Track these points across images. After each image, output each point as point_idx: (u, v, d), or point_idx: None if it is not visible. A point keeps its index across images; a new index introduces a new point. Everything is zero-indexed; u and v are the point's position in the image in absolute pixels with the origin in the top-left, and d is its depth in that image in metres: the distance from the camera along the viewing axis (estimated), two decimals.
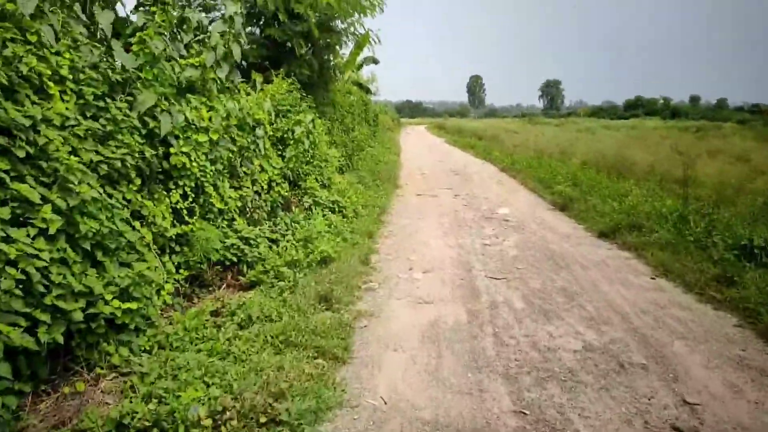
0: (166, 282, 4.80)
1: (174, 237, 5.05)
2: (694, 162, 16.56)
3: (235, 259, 5.84)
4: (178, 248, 5.21)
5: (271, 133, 7.94)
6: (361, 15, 12.36)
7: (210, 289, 5.64)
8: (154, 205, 4.88)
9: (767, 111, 54.94)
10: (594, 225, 8.55)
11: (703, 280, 5.68)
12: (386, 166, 16.18)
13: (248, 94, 7.33)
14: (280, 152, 8.12)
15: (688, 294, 5.54)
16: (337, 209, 8.44)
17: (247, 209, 6.74)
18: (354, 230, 7.73)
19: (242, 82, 7.92)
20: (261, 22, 11.76)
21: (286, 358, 3.81)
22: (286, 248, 6.44)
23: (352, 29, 12.49)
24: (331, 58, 13.74)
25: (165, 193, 5.03)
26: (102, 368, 3.64)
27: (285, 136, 8.20)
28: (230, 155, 6.10)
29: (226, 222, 6.03)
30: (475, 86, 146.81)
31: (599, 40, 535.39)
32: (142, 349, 3.96)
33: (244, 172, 6.77)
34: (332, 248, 6.40)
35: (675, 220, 7.58)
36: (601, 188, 10.81)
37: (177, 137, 5.13)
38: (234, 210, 6.26)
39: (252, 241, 6.07)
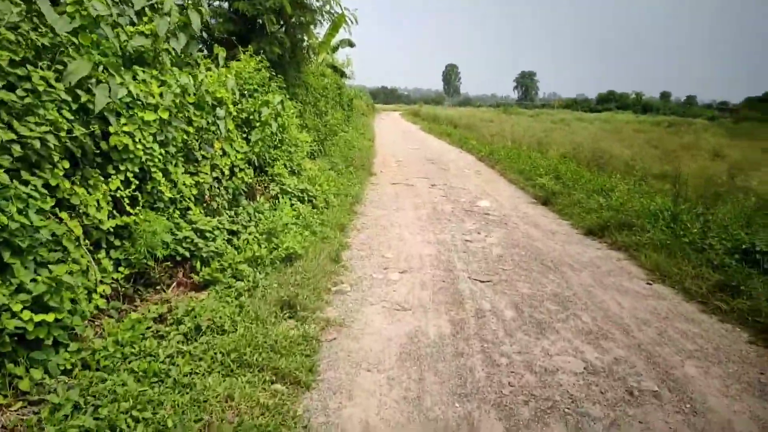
0: (101, 283, 4.09)
1: (112, 230, 4.31)
2: (671, 157, 16.47)
3: (187, 254, 5.11)
4: (117, 242, 4.47)
5: (235, 113, 7.18)
6: None
7: (157, 288, 4.90)
8: (89, 193, 4.14)
9: (736, 109, 55.95)
10: (580, 221, 8.04)
11: (705, 288, 5.19)
12: (360, 152, 15.45)
13: (209, 69, 6.55)
14: (245, 135, 7.37)
15: (690, 303, 5.04)
16: (306, 198, 7.72)
17: (205, 197, 6.00)
18: (324, 222, 7.05)
19: (205, 57, 7.14)
20: None
21: (237, 384, 3.13)
22: (248, 242, 5.74)
23: (327, 7, 11.68)
24: (305, 38, 12.92)
25: (102, 179, 4.28)
26: (5, 396, 2.92)
27: (251, 117, 7.43)
28: (185, 137, 5.34)
29: (178, 212, 5.28)
30: (450, 75, 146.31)
31: (574, 34, 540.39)
32: (62, 369, 3.24)
33: (203, 156, 6.02)
34: (299, 243, 5.72)
35: (667, 219, 7.10)
36: (584, 182, 10.33)
37: (119, 114, 4.37)
38: (189, 198, 5.52)
39: (208, 234, 5.34)
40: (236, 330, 3.84)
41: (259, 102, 7.35)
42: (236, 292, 4.60)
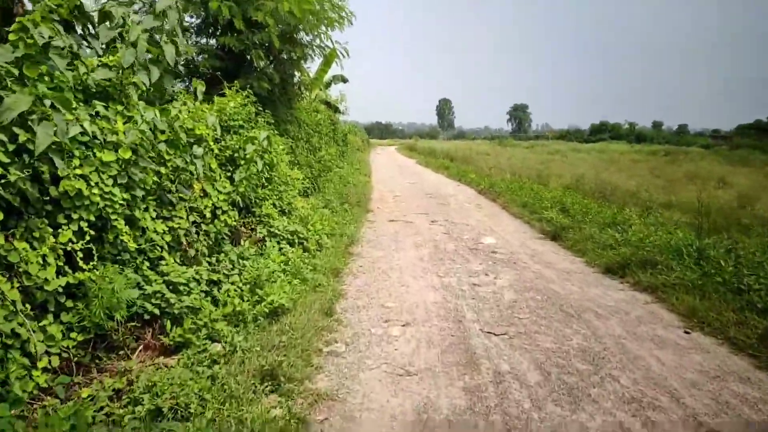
0: (47, 354, 3.41)
1: (61, 289, 3.63)
2: (675, 187, 15.92)
3: (157, 312, 4.42)
4: (70, 303, 3.78)
5: (218, 151, 6.58)
6: (328, 28, 11.15)
7: (120, 353, 4.20)
8: (33, 247, 3.48)
9: (729, 136, 56.02)
10: (596, 259, 7.36)
11: (754, 338, 4.48)
12: (356, 188, 14.86)
13: (184, 104, 5.97)
14: (230, 174, 6.76)
15: (740, 356, 4.32)
16: (296, 241, 7.02)
17: (182, 244, 5.33)
18: (316, 267, 6.36)
19: (186, 93, 6.61)
20: (216, 31, 10.44)
21: None
22: (229, 294, 5.04)
23: (318, 41, 11.23)
24: (296, 73, 12.48)
25: (51, 230, 3.62)
26: None
27: (236, 155, 6.84)
28: (155, 179, 4.71)
29: (148, 263, 4.60)
30: (444, 109, 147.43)
31: (564, 67, 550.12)
32: None
33: (180, 198, 5.37)
34: (287, 295, 5.01)
35: (693, 255, 6.43)
36: (593, 215, 9.70)
37: (70, 155, 3.75)
38: (161, 247, 4.85)
39: (182, 287, 4.64)
40: (205, 412, 3.12)
41: (243, 139, 6.75)
42: (210, 359, 3.88)
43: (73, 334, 3.67)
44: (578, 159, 31.66)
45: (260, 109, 8.27)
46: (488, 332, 4.77)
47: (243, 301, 4.91)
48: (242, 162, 6.69)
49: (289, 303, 4.88)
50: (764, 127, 57.89)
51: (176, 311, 4.45)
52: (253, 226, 7.03)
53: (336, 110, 22.53)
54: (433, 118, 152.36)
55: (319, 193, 11.84)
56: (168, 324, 4.38)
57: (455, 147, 43.07)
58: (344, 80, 22.11)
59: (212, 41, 10.83)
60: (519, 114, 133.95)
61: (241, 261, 5.80)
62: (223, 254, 5.86)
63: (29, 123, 3.34)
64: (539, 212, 10.90)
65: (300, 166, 11.29)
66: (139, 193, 4.47)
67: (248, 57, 9.94)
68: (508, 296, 5.85)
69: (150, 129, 4.60)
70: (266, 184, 7.58)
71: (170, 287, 4.61)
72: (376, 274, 6.75)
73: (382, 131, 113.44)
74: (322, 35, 11.03)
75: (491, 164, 23.76)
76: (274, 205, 7.64)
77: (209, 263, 5.57)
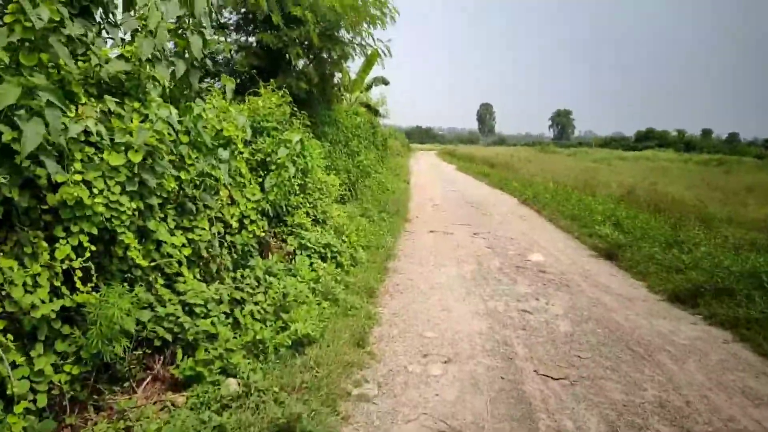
0: (33, 391, 2.93)
1: (54, 315, 3.12)
2: (736, 200, 14.70)
3: (170, 337, 3.89)
4: (67, 329, 3.28)
5: (249, 155, 6.08)
6: (370, 25, 10.59)
7: (125, 385, 3.70)
8: (23, 265, 2.99)
9: None
10: (660, 284, 6.52)
11: None
12: (394, 195, 14.25)
13: (210, 103, 5.48)
14: (261, 179, 6.24)
15: None
16: (329, 255, 6.43)
17: (204, 258, 4.81)
18: (349, 286, 5.77)
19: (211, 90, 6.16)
20: (255, 28, 10.02)
21: None
22: (252, 315, 4.50)
23: (359, 39, 10.66)
24: (335, 74, 11.97)
25: (46, 245, 3.13)
26: None
27: (268, 159, 6.31)
28: (173, 185, 4.19)
29: (162, 280, 4.09)
30: (485, 114, 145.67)
31: (609, 72, 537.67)
32: None
33: (205, 206, 4.86)
34: (314, 322, 4.42)
35: None
36: (652, 231, 8.81)
37: (69, 157, 3.25)
38: (179, 262, 4.33)
39: (199, 309, 4.11)
40: None
41: (275, 142, 6.22)
42: (220, 403, 3.31)
43: (67, 367, 3.17)
44: (625, 167, 30.25)
45: (296, 110, 7.74)
46: (544, 375, 4.05)
47: (266, 326, 4.35)
48: (273, 167, 6.17)
49: (316, 332, 4.28)
50: None
51: (190, 337, 3.91)
52: (284, 237, 6.49)
53: (376, 113, 22.01)
54: (474, 123, 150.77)
55: (356, 201, 11.27)
56: (179, 353, 3.86)
57: (495, 153, 41.98)
58: (385, 82, 21.51)
59: (251, 39, 10.44)
60: (562, 120, 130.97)
61: (267, 277, 5.23)
62: (248, 269, 5.31)
63: (15, 119, 2.84)
64: (590, 226, 10.04)
65: (337, 171, 10.74)
66: (155, 201, 3.96)
67: (286, 55, 9.46)
68: (563, 327, 5.12)
69: (172, 129, 4.11)
70: (299, 191, 7.03)
71: (186, 308, 4.09)
72: (414, 294, 6.10)
73: (422, 136, 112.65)
74: (364, 33, 10.48)
75: (533, 171, 22.81)
76: (307, 213, 7.09)
77: (234, 278, 5.05)
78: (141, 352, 3.79)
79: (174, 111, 4.07)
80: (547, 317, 5.41)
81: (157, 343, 3.86)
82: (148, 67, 4.22)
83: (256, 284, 5.13)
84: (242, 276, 5.14)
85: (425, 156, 50.13)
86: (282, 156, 6.01)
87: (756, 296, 5.48)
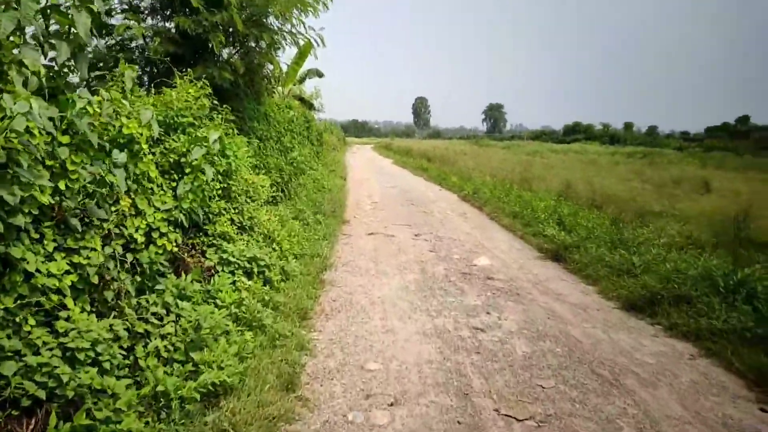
0: None
1: None
2: (664, 193, 14.88)
3: (43, 395, 3.02)
4: None
5: (159, 157, 5.17)
6: (302, 13, 9.74)
7: None
8: None
9: (701, 139, 56.17)
10: (613, 289, 6.14)
11: None
12: (331, 193, 13.46)
13: (96, 95, 4.54)
14: (175, 184, 5.33)
15: None
16: (255, 270, 5.62)
17: (98, 285, 3.91)
18: (279, 307, 5.01)
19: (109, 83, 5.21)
20: (171, 12, 8.95)
21: None
22: (158, 353, 3.68)
23: (289, 27, 9.78)
24: (264, 63, 11.01)
25: None
26: None
27: (183, 161, 5.41)
28: (48, 200, 3.29)
29: (34, 320, 3.20)
30: (420, 107, 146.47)
31: (537, 68, 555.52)
32: None
33: (99, 220, 3.95)
34: (233, 363, 3.63)
35: (739, 291, 5.25)
36: (596, 229, 8.50)
37: None
38: (64, 290, 3.44)
39: (83, 354, 3.25)
40: None
41: (189, 140, 5.35)
42: None
43: None
44: (557, 160, 30.71)
45: (216, 103, 6.83)
46: (507, 416, 3.46)
47: (172, 369, 3.53)
48: (189, 169, 5.30)
49: (234, 377, 3.49)
50: (732, 130, 58.50)
51: (70, 393, 3.05)
52: (203, 249, 5.61)
53: (311, 107, 21.11)
54: (410, 117, 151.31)
55: (289, 201, 10.41)
56: (53, 417, 2.99)
57: (432, 146, 41.77)
58: (320, 75, 20.63)
59: (170, 24, 9.34)
60: (494, 114, 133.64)
61: (179, 303, 4.37)
62: (156, 293, 4.43)
63: None
64: (533, 225, 9.69)
65: (268, 170, 9.87)
66: (21, 220, 3.07)
67: (208, 42, 8.48)
68: (520, 348, 4.57)
69: (45, 128, 3.21)
70: (222, 195, 6.15)
71: (68, 353, 3.23)
72: (354, 312, 5.39)
73: (358, 129, 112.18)
74: (295, 20, 9.62)
75: (471, 165, 22.59)
76: (231, 220, 6.21)
77: (138, 306, 4.18)
78: (2, 417, 2.91)
79: (41, 105, 3.16)
80: (501, 335, 4.85)
81: (26, 402, 2.98)
82: (10, 49, 3.30)
83: (165, 312, 4.28)
84: (148, 303, 4.27)
85: (362, 150, 49.47)
86: (197, 156, 5.15)
87: (715, 303, 5.15)
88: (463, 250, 8.27)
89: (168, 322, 4.09)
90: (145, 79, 8.57)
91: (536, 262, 7.68)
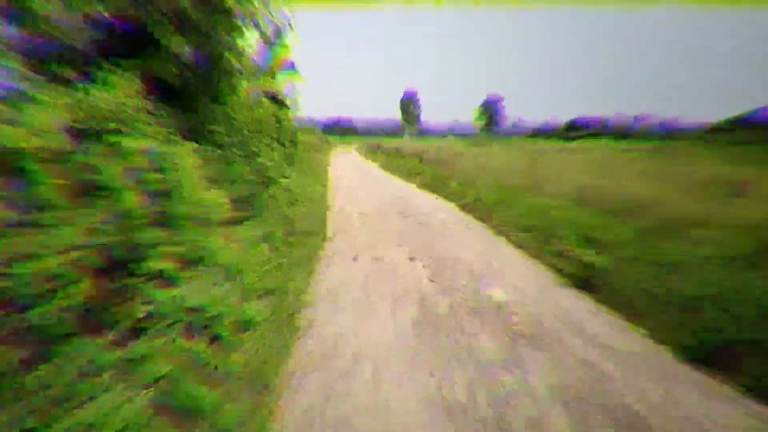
0: None
1: None
2: (700, 196, 14.07)
3: None
4: None
5: (63, 177, 4.24)
6: None
7: None
8: None
9: (719, 129, 55.73)
10: (665, 330, 5.26)
11: None
12: (311, 204, 12.54)
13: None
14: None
15: None
16: (200, 325, 4.66)
17: None
18: (230, 375, 4.06)
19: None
20: None
21: None
22: None
23: (250, 8, 8.88)
24: (223, 53, 10.07)
25: None
26: None
27: (100, 179, 4.48)
28: None
29: None
30: (409, 103, 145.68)
31: (538, 58, 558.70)
32: None
33: None
34: None
35: None
36: (630, 244, 7.62)
37: None
38: None
39: None
40: None
41: (106, 153, 4.42)
42: None
43: None
44: (566, 161, 29.90)
45: (150, 105, 5.90)
46: None
47: None
48: (105, 192, 4.37)
49: None
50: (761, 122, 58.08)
51: None
52: (129, 297, 4.66)
53: (284, 105, 20.15)
54: (397, 113, 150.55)
55: (256, 219, 9.45)
56: None
57: (424, 146, 40.90)
58: (295, 68, 19.64)
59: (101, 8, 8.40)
60: (493, 108, 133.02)
61: (80, 388, 3.43)
62: (54, 367, 3.50)
63: None
64: (552, 241, 8.80)
65: (231, 182, 8.93)
66: None
67: (150, 30, 7.56)
68: (559, 427, 3.67)
69: None
70: (159, 220, 5.21)
71: None
72: (334, 375, 4.43)
73: (343, 130, 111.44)
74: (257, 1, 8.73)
75: (468, 167, 21.75)
76: (172, 254, 5.28)
77: (16, 396, 3.25)
78: None
79: None
80: (532, 406, 3.93)
81: None
82: None
83: (65, 399, 3.34)
84: (40, 386, 3.33)
85: (347, 151, 48.49)
86: (113, 175, 4.22)
87: None
88: (469, 276, 7.35)
89: (60, 422, 3.15)
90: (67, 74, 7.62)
91: (561, 292, 6.77)
